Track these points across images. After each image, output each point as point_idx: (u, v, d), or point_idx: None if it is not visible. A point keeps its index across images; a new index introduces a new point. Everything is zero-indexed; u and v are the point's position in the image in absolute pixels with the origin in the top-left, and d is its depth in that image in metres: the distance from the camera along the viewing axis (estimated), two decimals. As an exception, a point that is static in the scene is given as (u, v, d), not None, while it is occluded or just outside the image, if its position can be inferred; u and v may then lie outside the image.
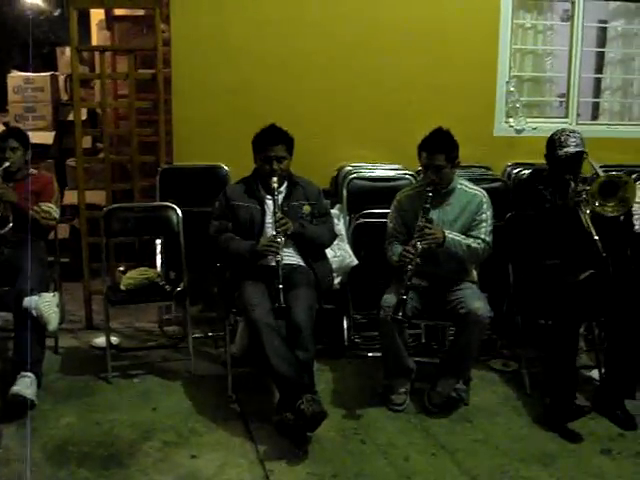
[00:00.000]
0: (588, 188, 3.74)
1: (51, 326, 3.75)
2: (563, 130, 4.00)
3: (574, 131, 3.99)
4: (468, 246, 3.71)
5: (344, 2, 5.10)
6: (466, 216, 3.79)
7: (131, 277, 4.24)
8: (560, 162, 3.90)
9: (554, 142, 3.95)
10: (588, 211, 3.73)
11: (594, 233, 3.65)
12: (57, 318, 3.82)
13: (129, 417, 3.64)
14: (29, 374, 3.66)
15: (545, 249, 3.93)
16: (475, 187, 3.89)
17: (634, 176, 4.95)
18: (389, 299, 3.63)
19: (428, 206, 3.67)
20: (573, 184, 3.81)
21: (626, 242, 4.01)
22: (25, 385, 3.62)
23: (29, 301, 3.69)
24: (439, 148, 3.70)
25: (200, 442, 3.41)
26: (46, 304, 3.73)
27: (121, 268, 4.60)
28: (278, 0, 5.02)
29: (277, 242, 3.64)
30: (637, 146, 5.58)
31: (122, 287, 4.19)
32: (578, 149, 3.87)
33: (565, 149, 3.87)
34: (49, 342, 4.21)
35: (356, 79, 5.15)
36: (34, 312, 3.68)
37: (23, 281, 3.78)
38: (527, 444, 3.45)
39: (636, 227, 3.98)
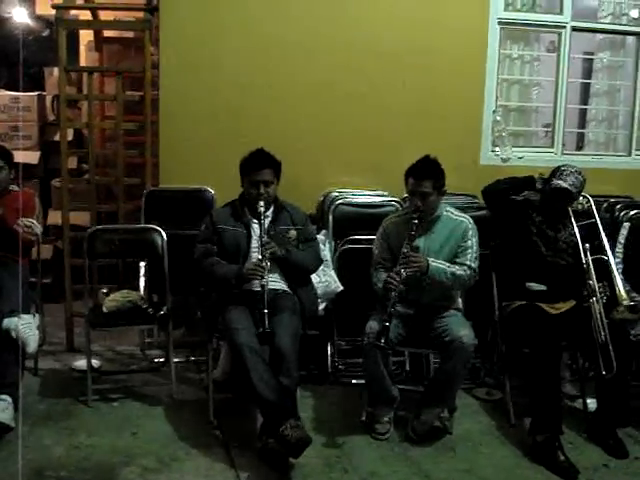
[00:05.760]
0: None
1: (30, 348, 3.70)
2: (572, 166, 3.93)
3: (580, 172, 3.89)
4: (453, 273, 3.70)
5: (333, 30, 5.13)
6: (452, 243, 3.78)
7: (114, 299, 4.19)
8: (549, 191, 3.91)
9: (556, 170, 3.92)
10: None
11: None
12: (36, 340, 3.78)
13: (109, 442, 3.58)
14: (4, 397, 3.59)
15: (528, 276, 3.93)
16: (461, 214, 3.88)
17: (619, 206, 5.01)
18: (373, 326, 3.60)
19: (414, 233, 3.65)
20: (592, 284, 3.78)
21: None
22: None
23: (8, 322, 3.65)
24: (427, 175, 3.70)
25: (181, 468, 3.35)
26: (25, 326, 3.68)
27: (104, 290, 4.55)
28: (266, 25, 5.03)
29: (263, 266, 3.61)
30: (621, 177, 5.62)
31: (104, 309, 4.14)
32: (568, 187, 3.80)
33: (558, 181, 3.83)
34: (29, 363, 4.16)
35: (344, 106, 5.17)
36: (13, 333, 3.63)
37: (3, 302, 3.74)
38: (511, 474, 3.42)
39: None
